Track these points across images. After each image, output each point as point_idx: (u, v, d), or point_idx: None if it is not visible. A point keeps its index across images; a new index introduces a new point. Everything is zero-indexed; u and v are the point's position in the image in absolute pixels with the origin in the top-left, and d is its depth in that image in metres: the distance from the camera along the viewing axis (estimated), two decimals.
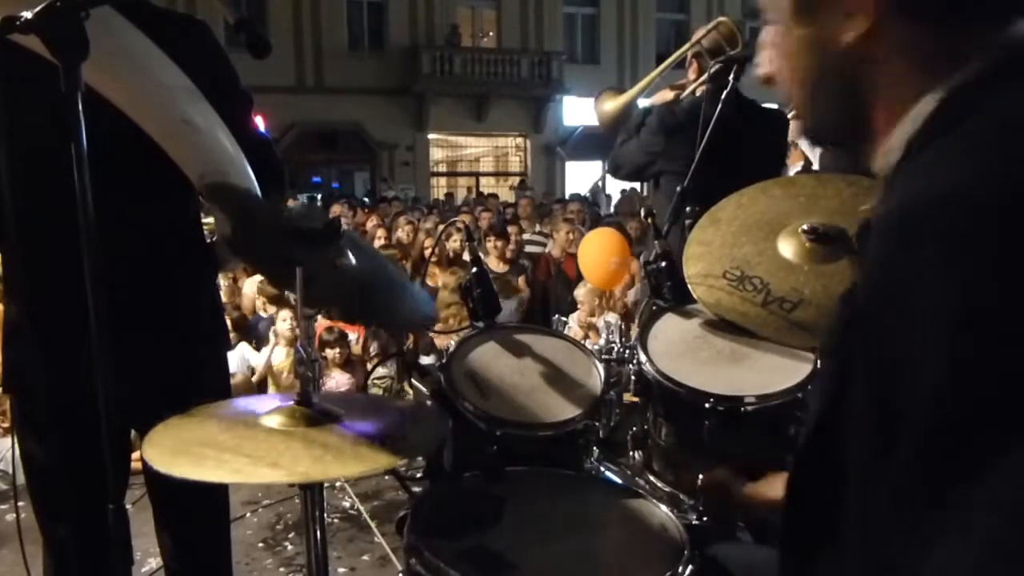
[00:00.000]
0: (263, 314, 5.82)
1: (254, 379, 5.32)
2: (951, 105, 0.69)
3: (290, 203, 10.06)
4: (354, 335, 5.60)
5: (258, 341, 5.65)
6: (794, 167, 4.77)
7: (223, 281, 5.92)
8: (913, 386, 0.57)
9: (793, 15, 0.77)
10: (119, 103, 1.48)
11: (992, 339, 0.55)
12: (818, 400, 0.78)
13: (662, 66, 3.64)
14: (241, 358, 5.33)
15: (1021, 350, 0.54)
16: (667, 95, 3.42)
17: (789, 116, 3.30)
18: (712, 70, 3.00)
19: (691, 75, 3.39)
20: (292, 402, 1.30)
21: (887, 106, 0.74)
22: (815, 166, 4.48)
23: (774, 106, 3.19)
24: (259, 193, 1.69)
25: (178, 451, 1.19)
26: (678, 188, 2.51)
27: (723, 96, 2.51)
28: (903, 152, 0.72)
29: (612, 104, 3.64)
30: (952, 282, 0.56)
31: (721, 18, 3.48)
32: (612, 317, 5.27)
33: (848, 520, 0.67)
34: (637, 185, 17.91)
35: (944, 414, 0.56)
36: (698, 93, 3.26)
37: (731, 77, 2.58)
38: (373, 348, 5.65)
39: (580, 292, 5.50)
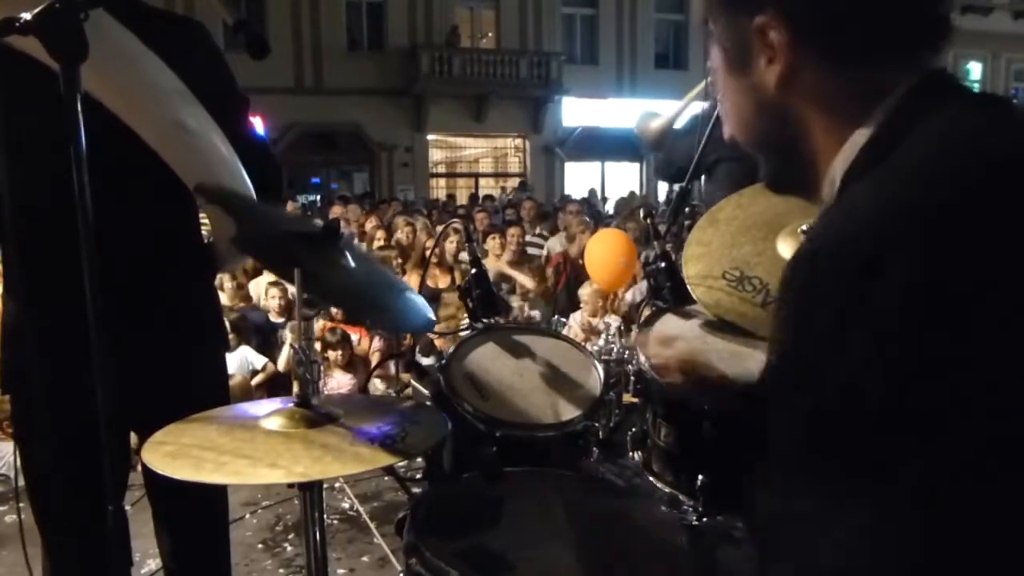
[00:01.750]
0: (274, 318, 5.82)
1: (254, 381, 5.31)
2: (877, 141, 0.75)
3: (289, 205, 10.11)
4: (356, 336, 5.60)
5: (264, 341, 5.65)
6: None
7: (228, 283, 5.91)
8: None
9: (729, 69, 0.85)
10: (111, 106, 1.48)
11: (899, 369, 0.61)
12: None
13: (701, 85, 3.66)
14: (242, 359, 5.32)
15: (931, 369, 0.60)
16: None
17: None
18: None
19: None
20: (291, 404, 1.30)
21: (823, 142, 0.80)
22: None
23: None
24: (254, 195, 1.69)
25: (178, 454, 1.19)
26: (676, 188, 2.51)
27: None
28: (840, 185, 0.78)
29: (657, 123, 3.66)
30: (861, 327, 0.62)
31: None
32: (613, 319, 5.27)
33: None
34: (636, 188, 17.86)
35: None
36: None
37: None
38: (375, 345, 5.64)
39: (585, 292, 5.48)
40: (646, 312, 2.06)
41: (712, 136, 3.22)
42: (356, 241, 7.70)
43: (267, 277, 6.05)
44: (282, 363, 5.35)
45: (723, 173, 3.21)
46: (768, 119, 0.83)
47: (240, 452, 1.17)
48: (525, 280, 6.13)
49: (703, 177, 3.41)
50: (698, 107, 3.49)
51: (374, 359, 5.56)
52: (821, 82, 0.78)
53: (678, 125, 3.57)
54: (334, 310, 5.62)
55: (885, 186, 0.69)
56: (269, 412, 1.30)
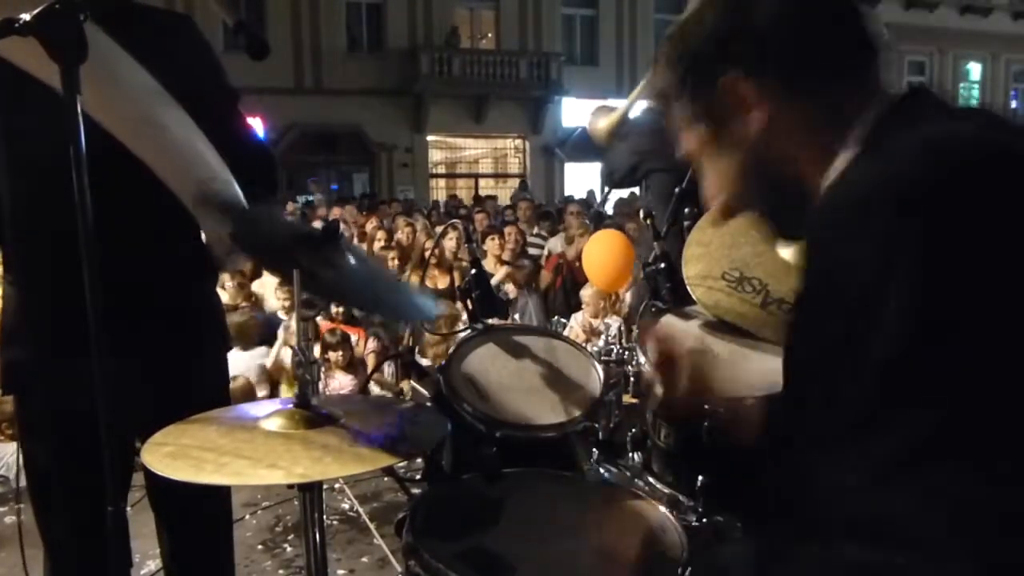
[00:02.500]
0: (283, 316, 5.81)
1: (255, 381, 5.31)
2: (869, 138, 0.85)
3: (289, 206, 10.11)
4: (355, 336, 5.60)
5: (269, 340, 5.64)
6: None
7: (228, 281, 5.90)
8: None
9: (710, 137, 0.95)
10: (83, 104, 1.47)
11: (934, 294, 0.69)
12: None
13: (646, 80, 3.64)
14: (246, 361, 5.32)
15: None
16: None
17: None
18: None
19: None
20: (291, 405, 1.30)
21: (811, 173, 0.90)
22: None
23: None
24: (241, 196, 1.68)
25: (178, 455, 1.19)
26: (676, 189, 2.51)
27: None
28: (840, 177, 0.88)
29: (606, 121, 3.63)
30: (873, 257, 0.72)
31: None
32: (614, 320, 5.25)
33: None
34: (636, 188, 17.86)
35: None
36: None
37: None
38: (370, 346, 5.63)
39: (586, 293, 5.46)
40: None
41: (642, 147, 3.23)
42: (355, 242, 7.70)
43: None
44: (270, 361, 5.33)
45: (654, 183, 3.23)
46: (757, 167, 0.93)
47: (240, 453, 1.17)
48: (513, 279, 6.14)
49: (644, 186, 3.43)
50: (645, 103, 3.49)
51: (369, 360, 5.54)
52: (794, 118, 0.89)
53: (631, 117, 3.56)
54: (334, 311, 5.62)
55: (890, 160, 0.79)
56: (269, 413, 1.30)
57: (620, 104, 3.65)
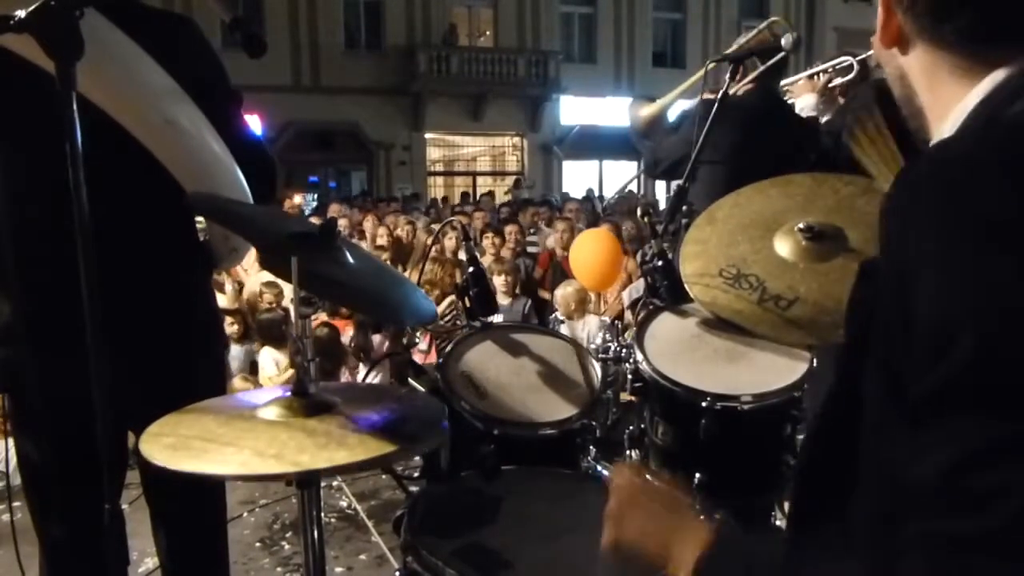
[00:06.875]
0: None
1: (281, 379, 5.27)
2: (984, 105, 0.77)
3: (287, 203, 10.11)
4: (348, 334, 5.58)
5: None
6: None
7: (229, 284, 5.89)
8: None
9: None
10: (102, 104, 1.47)
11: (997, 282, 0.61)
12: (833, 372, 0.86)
13: (699, 73, 3.64)
14: (264, 359, 5.31)
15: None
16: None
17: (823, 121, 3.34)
18: (756, 72, 3.06)
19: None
20: (289, 393, 1.29)
21: (937, 106, 0.83)
22: None
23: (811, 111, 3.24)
24: (248, 193, 1.69)
25: (178, 447, 1.18)
26: (676, 186, 2.51)
27: (759, 92, 2.55)
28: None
29: (647, 110, 3.63)
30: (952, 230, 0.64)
31: (773, 19, 3.48)
32: (594, 319, 5.14)
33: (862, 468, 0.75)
34: (633, 186, 17.84)
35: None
36: (740, 93, 3.25)
37: (771, 77, 2.62)
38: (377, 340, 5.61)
39: (559, 294, 5.19)
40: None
41: (693, 138, 3.23)
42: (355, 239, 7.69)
43: (260, 277, 6.03)
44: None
45: (702, 175, 3.22)
46: (891, 71, 0.88)
47: (242, 444, 1.16)
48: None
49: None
50: (690, 102, 3.50)
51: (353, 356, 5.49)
52: (930, 61, 0.82)
53: (670, 114, 3.56)
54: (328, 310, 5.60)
55: (975, 135, 0.74)
56: (266, 401, 1.29)
57: (625, 99, 3.68)
